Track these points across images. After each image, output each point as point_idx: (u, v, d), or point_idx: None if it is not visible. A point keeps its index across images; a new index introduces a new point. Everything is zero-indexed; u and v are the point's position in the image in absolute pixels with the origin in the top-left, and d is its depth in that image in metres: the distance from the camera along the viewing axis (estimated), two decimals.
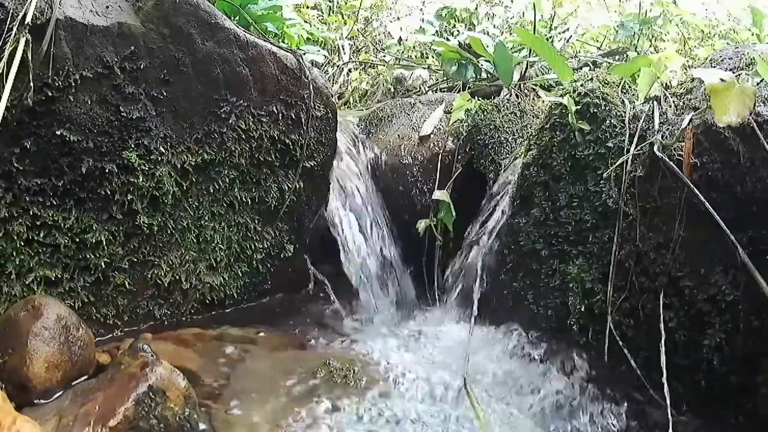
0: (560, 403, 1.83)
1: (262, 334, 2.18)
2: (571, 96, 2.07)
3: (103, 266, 2.02)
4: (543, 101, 2.62)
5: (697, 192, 1.68)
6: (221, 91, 2.14)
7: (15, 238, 1.86)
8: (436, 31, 3.96)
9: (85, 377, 1.65)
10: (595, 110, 2.03)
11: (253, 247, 2.35)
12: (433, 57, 4.01)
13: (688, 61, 2.76)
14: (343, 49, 4.22)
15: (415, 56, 4.19)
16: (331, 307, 2.47)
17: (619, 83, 2.10)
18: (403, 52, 4.16)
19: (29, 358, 1.54)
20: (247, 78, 2.18)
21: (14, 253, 1.86)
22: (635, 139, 1.91)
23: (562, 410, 1.80)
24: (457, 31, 3.95)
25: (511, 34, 3.68)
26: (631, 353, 1.86)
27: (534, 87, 2.88)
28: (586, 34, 4.01)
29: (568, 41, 3.81)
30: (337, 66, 4.09)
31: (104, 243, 2.00)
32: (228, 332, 2.15)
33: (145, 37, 1.96)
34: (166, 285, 2.16)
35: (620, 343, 1.87)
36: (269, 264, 2.41)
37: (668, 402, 1.65)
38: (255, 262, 2.37)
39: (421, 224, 2.55)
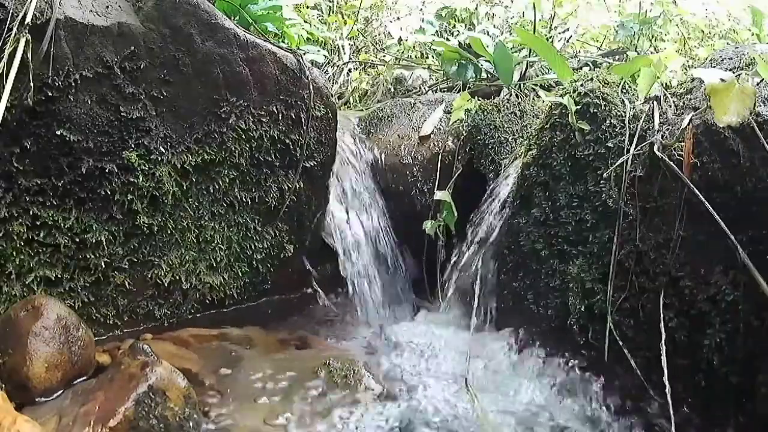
0: (559, 403, 1.83)
1: (262, 334, 2.18)
2: (571, 96, 2.07)
3: (103, 266, 2.02)
4: (543, 101, 2.62)
5: (697, 192, 1.68)
6: (221, 91, 2.14)
7: (15, 238, 1.86)
8: (436, 31, 3.96)
9: (85, 377, 1.66)
10: (595, 110, 2.03)
11: (253, 247, 2.35)
12: (433, 57, 4.01)
13: (688, 61, 2.76)
14: (343, 49, 4.22)
15: (415, 56, 4.19)
16: (331, 307, 2.47)
17: (619, 83, 2.10)
18: (403, 52, 4.16)
19: (29, 358, 1.54)
20: (247, 78, 2.18)
21: (14, 253, 1.86)
22: (635, 139, 1.91)
23: (559, 409, 1.80)
24: (457, 31, 3.95)
25: (511, 34, 3.68)
26: (631, 353, 1.86)
27: (534, 87, 2.88)
28: (586, 34, 4.01)
29: (568, 41, 3.82)
30: (337, 66, 4.09)
31: (104, 243, 2.00)
32: (228, 332, 2.15)
33: (145, 37, 1.96)
34: (166, 285, 2.16)
35: (620, 343, 1.87)
36: (269, 264, 2.41)
37: (670, 403, 1.65)
38: (255, 262, 2.37)
39: (428, 225, 2.55)
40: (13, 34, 1.70)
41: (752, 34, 3.37)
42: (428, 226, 2.55)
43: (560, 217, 2.09)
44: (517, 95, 2.79)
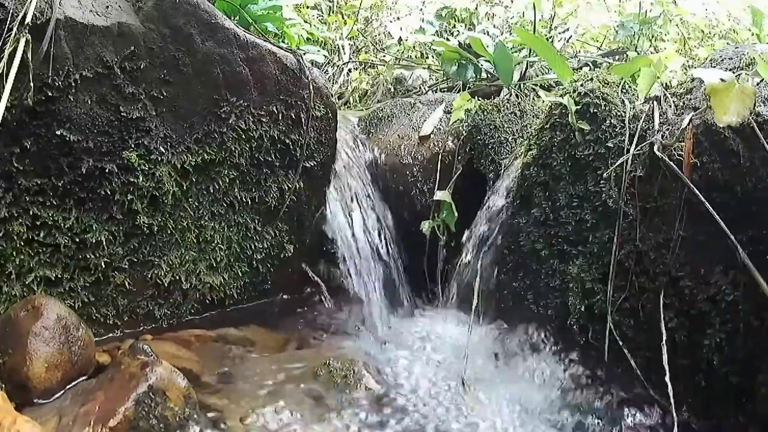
0: (559, 402, 1.83)
1: (262, 334, 2.18)
2: (571, 96, 2.07)
3: (103, 266, 2.02)
4: (543, 101, 2.62)
5: (697, 192, 1.69)
6: (221, 91, 2.14)
7: (15, 238, 1.85)
8: (436, 31, 3.96)
9: (85, 377, 1.65)
10: (595, 110, 2.03)
11: (253, 247, 2.35)
12: (433, 57, 4.01)
13: (688, 61, 2.76)
14: (343, 49, 4.22)
15: (415, 56, 4.19)
16: (331, 307, 2.47)
17: (619, 83, 2.10)
18: (403, 52, 4.16)
19: (29, 358, 1.54)
20: (247, 78, 2.18)
21: (14, 253, 1.86)
22: (635, 139, 1.91)
23: (559, 409, 1.80)
24: (457, 31, 3.95)
25: (511, 34, 3.68)
26: (631, 353, 1.86)
27: (534, 87, 2.88)
28: (586, 34, 4.01)
29: (568, 41, 3.82)
30: (337, 66, 4.09)
31: (104, 243, 2.00)
32: (228, 332, 2.15)
33: (145, 37, 1.96)
34: (166, 285, 2.16)
35: (620, 343, 1.87)
36: (269, 264, 2.41)
37: (673, 402, 1.65)
38: (255, 262, 2.37)
39: (426, 225, 2.55)
40: (13, 34, 1.70)
41: (752, 34, 3.37)
42: (425, 226, 2.55)
43: (560, 217, 2.09)
44: (517, 95, 2.79)
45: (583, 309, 1.99)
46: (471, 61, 3.08)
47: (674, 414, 1.63)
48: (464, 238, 2.46)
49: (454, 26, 4.05)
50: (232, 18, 2.37)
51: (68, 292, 1.96)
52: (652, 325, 1.81)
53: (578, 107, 2.05)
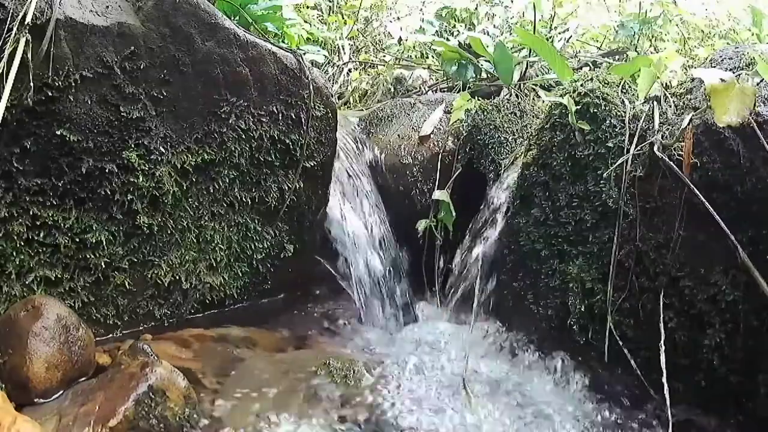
0: (559, 402, 1.83)
1: (262, 334, 2.18)
2: (571, 96, 2.07)
3: (103, 266, 2.02)
4: (543, 101, 2.62)
5: (697, 192, 1.69)
6: (221, 91, 2.14)
7: (15, 238, 1.86)
8: (436, 31, 3.96)
9: (85, 377, 1.66)
10: (595, 110, 2.03)
11: (253, 247, 2.35)
12: (433, 57, 4.01)
13: (688, 61, 2.76)
14: (343, 49, 4.22)
15: (415, 56, 4.19)
16: (331, 307, 2.47)
17: (619, 83, 2.10)
18: (403, 52, 4.17)
19: (29, 358, 1.54)
20: (247, 78, 2.18)
21: (14, 253, 1.86)
22: (635, 139, 1.91)
23: (559, 409, 1.80)
24: (457, 31, 3.95)
25: (511, 34, 3.68)
26: (631, 353, 1.86)
27: (534, 87, 2.88)
28: (586, 34, 4.01)
29: (568, 41, 3.81)
30: (337, 66, 4.09)
31: (104, 243, 2.00)
32: (228, 332, 2.15)
33: (145, 37, 1.96)
34: (166, 285, 2.16)
35: (620, 343, 1.87)
36: (269, 264, 2.41)
37: (668, 402, 1.65)
38: (255, 262, 2.37)
39: (421, 224, 2.55)
40: (13, 34, 1.70)
41: (752, 34, 3.37)
42: (421, 225, 2.55)
43: (560, 217, 2.09)
44: (517, 95, 2.79)
45: (583, 309, 1.99)
46: (471, 61, 3.08)
47: (669, 414, 1.64)
48: (464, 238, 2.46)
49: (454, 26, 4.05)
50: (232, 18, 2.37)
51: (68, 292, 1.96)
52: (652, 325, 1.81)
53: (578, 107, 2.05)
